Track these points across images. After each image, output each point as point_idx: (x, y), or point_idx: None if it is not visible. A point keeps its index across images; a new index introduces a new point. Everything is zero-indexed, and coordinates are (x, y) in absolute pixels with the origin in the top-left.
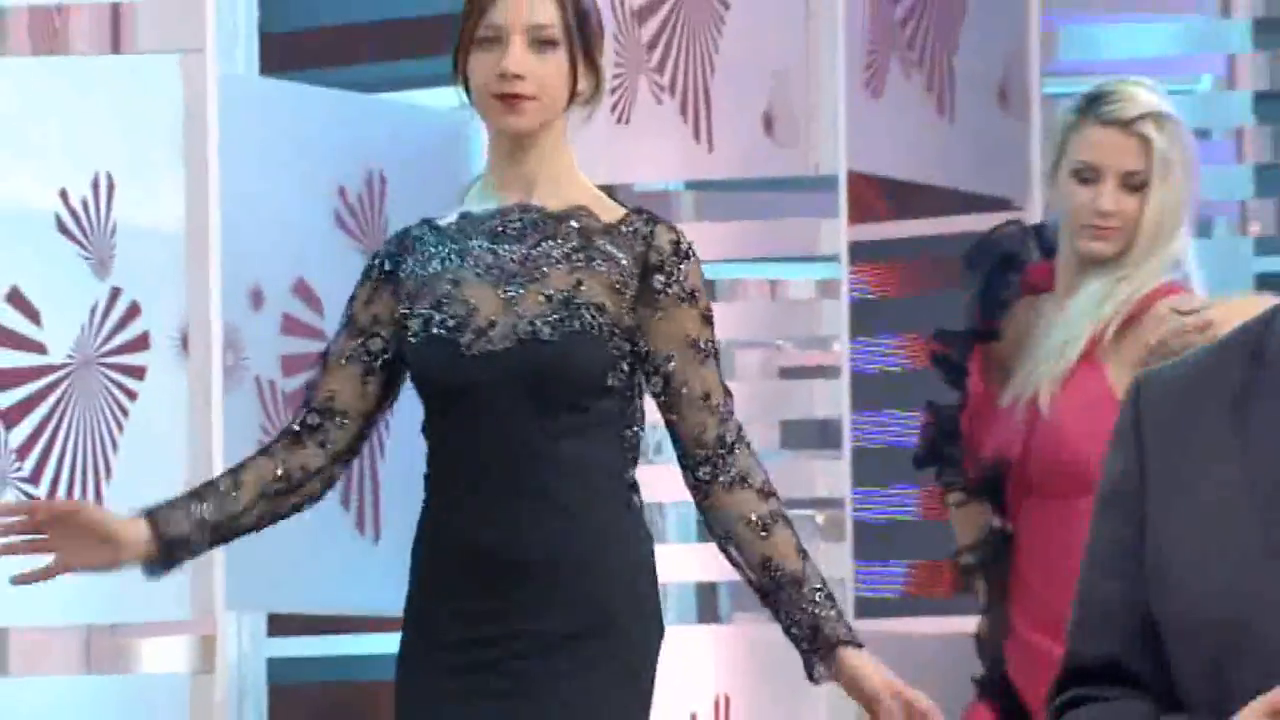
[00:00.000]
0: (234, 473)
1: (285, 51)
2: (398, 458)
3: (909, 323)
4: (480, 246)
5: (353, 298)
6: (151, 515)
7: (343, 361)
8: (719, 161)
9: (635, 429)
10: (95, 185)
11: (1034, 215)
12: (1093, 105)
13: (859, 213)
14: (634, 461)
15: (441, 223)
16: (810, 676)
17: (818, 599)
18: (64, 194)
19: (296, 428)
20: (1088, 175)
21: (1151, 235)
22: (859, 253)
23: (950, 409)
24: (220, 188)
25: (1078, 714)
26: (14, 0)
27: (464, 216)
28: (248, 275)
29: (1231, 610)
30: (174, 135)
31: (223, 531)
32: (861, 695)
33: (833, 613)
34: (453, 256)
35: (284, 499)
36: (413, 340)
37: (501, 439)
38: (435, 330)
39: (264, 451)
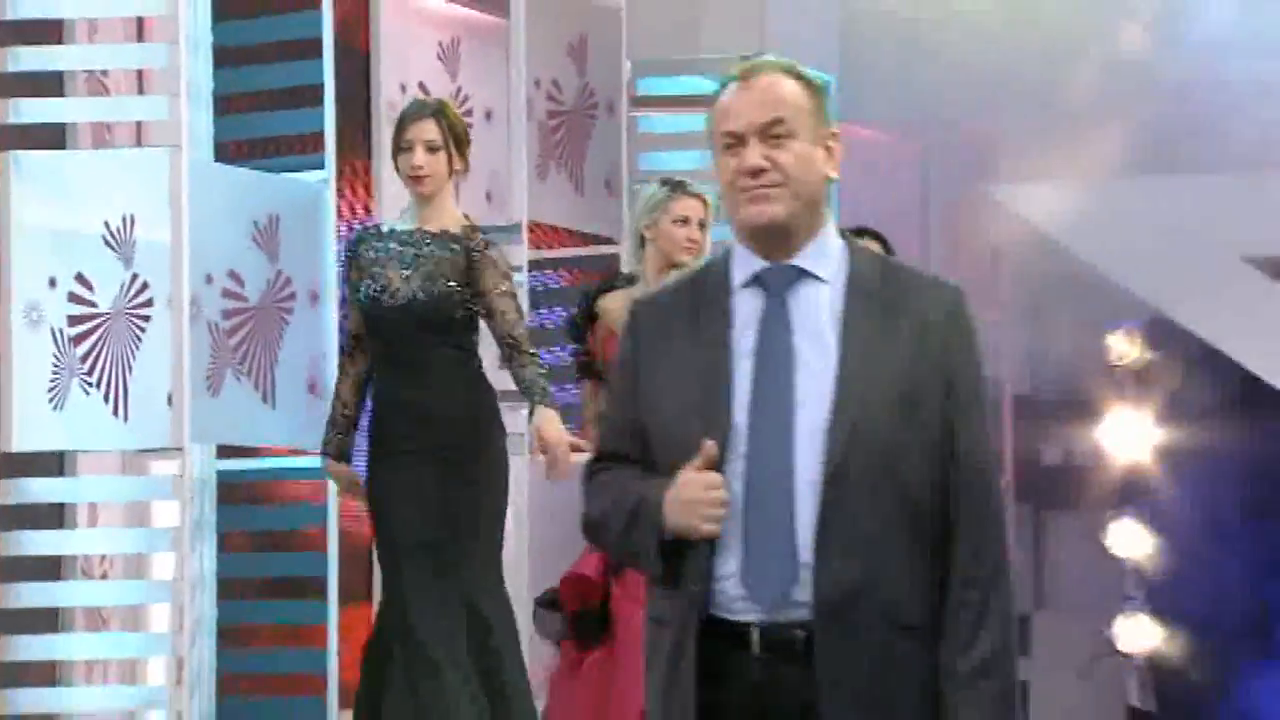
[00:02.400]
0: (345, 396)
1: (229, 150)
2: (287, 362)
3: (562, 300)
4: (397, 248)
5: (345, 275)
6: (338, 455)
7: (353, 303)
8: None
9: (475, 337)
10: (124, 219)
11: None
12: (680, 186)
13: (534, 243)
14: (476, 352)
15: (384, 230)
16: (530, 419)
17: (536, 392)
18: (107, 224)
19: (350, 348)
20: (684, 221)
21: (709, 250)
22: (534, 265)
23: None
24: (189, 221)
25: (603, 474)
26: (83, 118)
27: (392, 230)
28: (204, 267)
29: (682, 432)
30: (166, 192)
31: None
32: (541, 436)
33: (543, 394)
34: (382, 251)
35: (364, 393)
36: (360, 297)
37: (405, 347)
38: (371, 292)
39: (345, 371)
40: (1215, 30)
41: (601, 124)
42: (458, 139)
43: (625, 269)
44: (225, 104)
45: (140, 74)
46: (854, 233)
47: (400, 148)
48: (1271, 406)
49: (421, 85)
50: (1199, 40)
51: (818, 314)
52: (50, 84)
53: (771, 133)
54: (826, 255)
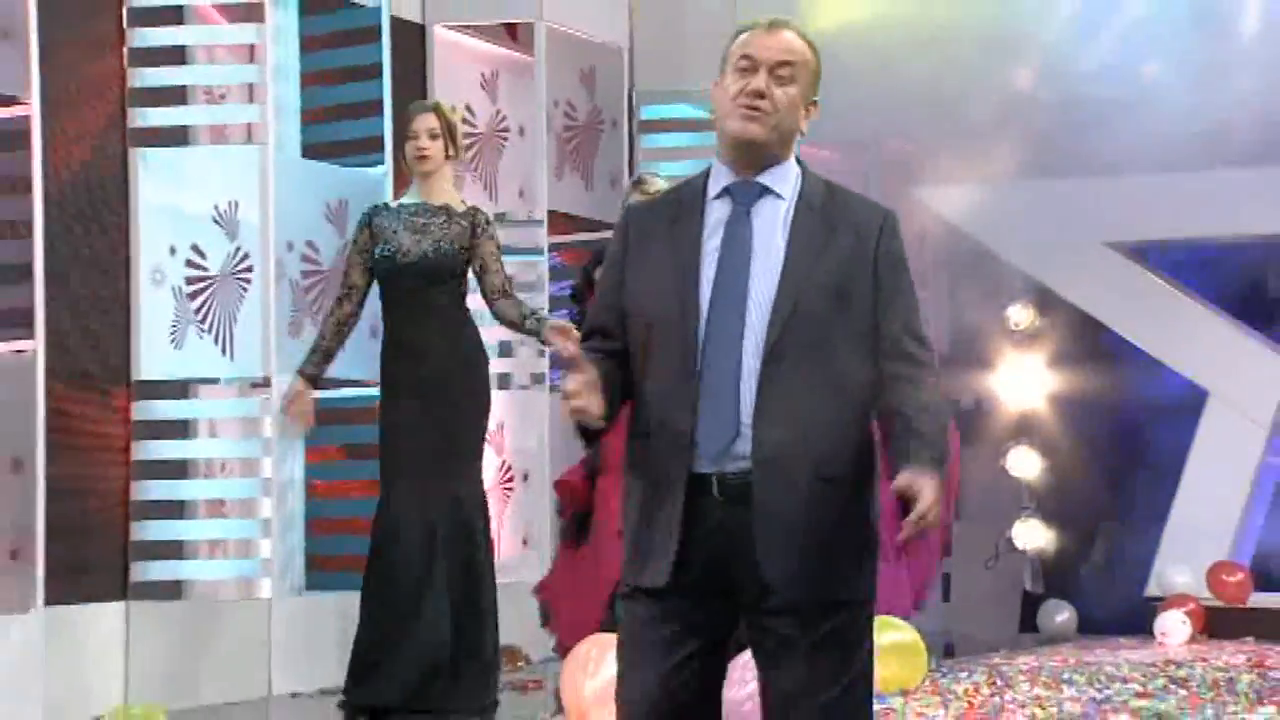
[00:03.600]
0: (327, 330)
1: (313, 149)
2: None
3: (569, 275)
4: (407, 218)
5: (355, 237)
6: (309, 377)
7: (357, 261)
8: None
9: (464, 289)
10: (230, 202)
11: None
12: (639, 182)
13: (552, 230)
14: (465, 301)
15: (393, 205)
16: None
17: (535, 316)
18: (216, 206)
19: (342, 295)
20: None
21: None
22: (552, 247)
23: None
24: (275, 203)
25: (590, 343)
26: (187, 122)
27: (402, 205)
28: (286, 238)
29: (657, 312)
30: (259, 180)
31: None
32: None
33: (540, 316)
34: (395, 220)
35: (345, 334)
36: (377, 257)
37: (412, 297)
38: (385, 253)
39: (333, 312)
40: (1086, 66)
41: (607, 136)
42: (451, 131)
43: None
44: (311, 115)
45: (251, 89)
46: None
47: (407, 136)
48: (1127, 357)
49: (469, 106)
50: (1073, 74)
51: (773, 222)
52: (173, 95)
53: (779, 72)
54: (785, 178)
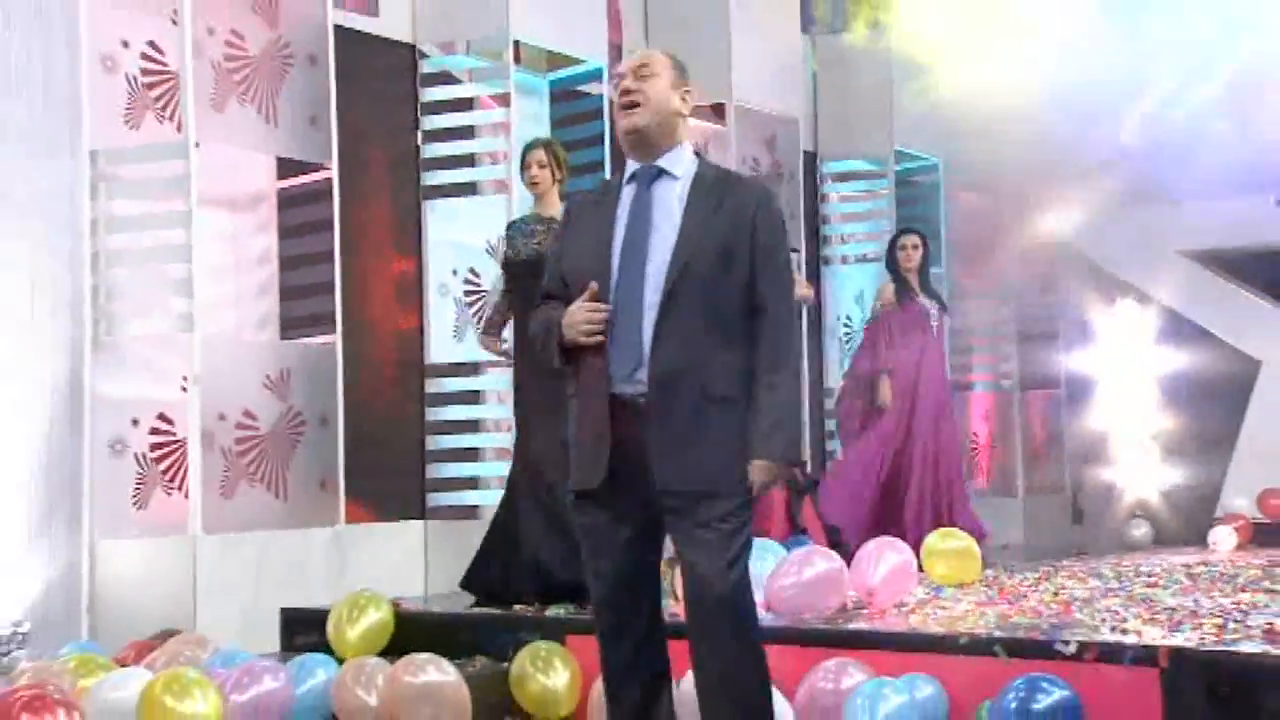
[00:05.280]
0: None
1: None
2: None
3: None
4: (524, 227)
5: (497, 245)
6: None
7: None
8: None
9: None
10: (498, 238)
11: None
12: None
13: None
14: None
15: (522, 221)
16: None
17: None
18: (488, 241)
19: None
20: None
21: None
22: None
23: None
24: None
25: (542, 309)
26: (454, 179)
27: (523, 219)
28: None
29: (581, 274)
30: (506, 221)
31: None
32: None
33: None
34: (518, 231)
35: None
36: (506, 262)
37: (528, 290)
38: (509, 257)
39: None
40: (1164, 121)
41: (785, 185)
42: (558, 160)
43: None
44: None
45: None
46: (901, 231)
47: (523, 167)
48: (1199, 337)
49: None
50: (1155, 127)
51: (669, 199)
52: (459, 160)
53: (640, 73)
54: (680, 161)
